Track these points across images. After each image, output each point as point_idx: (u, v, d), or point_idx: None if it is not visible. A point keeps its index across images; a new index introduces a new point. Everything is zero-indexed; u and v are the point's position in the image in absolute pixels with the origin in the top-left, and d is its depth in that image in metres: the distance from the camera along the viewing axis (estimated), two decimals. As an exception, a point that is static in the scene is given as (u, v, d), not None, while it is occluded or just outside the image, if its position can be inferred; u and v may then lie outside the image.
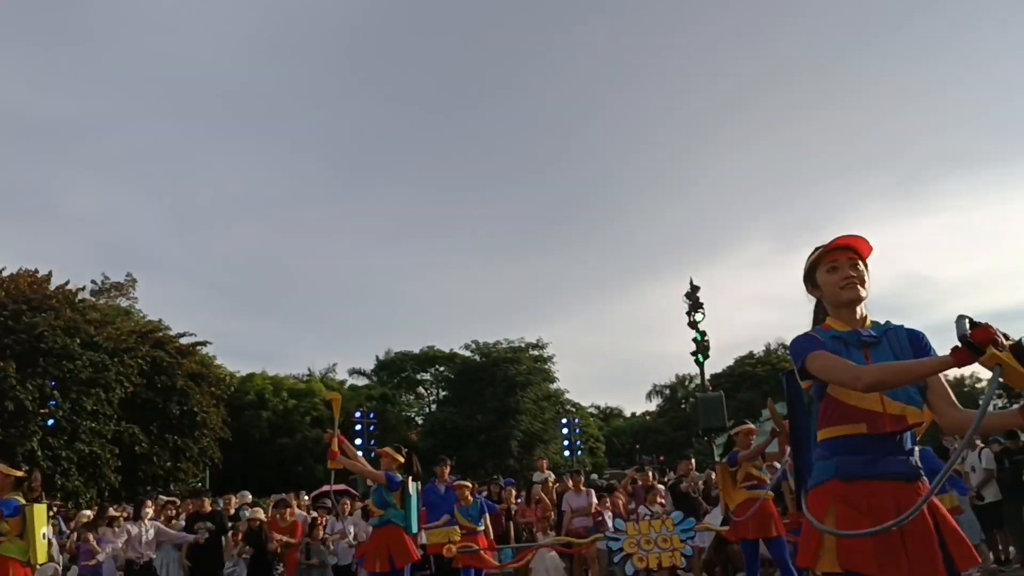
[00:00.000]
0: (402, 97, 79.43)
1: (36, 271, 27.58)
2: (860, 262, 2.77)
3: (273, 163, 76.45)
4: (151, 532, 11.00)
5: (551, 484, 13.21)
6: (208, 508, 11.67)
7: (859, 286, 2.74)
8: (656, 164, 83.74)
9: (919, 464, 2.64)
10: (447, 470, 10.23)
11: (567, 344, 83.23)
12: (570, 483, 11.79)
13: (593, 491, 11.82)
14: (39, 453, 24.35)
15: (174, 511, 12.51)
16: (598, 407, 61.40)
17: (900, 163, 78.93)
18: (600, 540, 9.83)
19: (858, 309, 2.78)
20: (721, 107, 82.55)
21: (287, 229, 76.40)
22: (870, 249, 2.78)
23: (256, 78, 75.81)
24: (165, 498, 14.99)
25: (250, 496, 15.48)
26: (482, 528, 9.28)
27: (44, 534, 6.61)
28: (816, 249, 2.82)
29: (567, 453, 31.80)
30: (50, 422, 25.04)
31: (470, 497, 9.38)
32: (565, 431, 31.25)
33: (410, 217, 77.72)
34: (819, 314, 2.93)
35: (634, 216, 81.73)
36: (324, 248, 76.07)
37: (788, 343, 2.97)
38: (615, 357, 79.38)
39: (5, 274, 26.71)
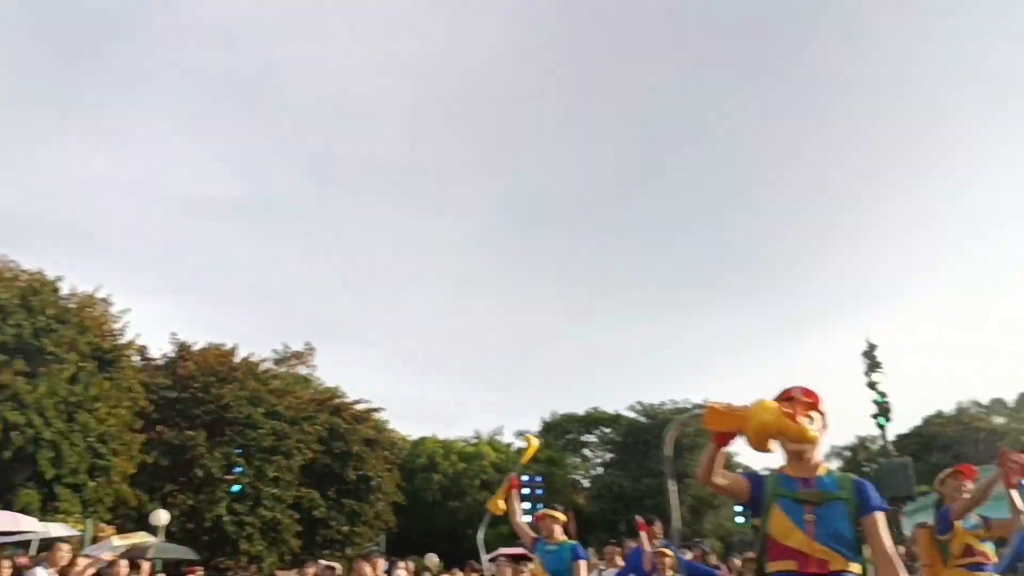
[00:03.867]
0: (578, 161, 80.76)
1: (223, 344, 29.51)
2: None
3: (447, 227, 79.31)
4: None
5: None
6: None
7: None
8: (825, 214, 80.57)
9: None
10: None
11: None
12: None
13: None
14: (225, 519, 25.74)
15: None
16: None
17: None
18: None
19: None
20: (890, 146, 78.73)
21: (459, 290, 78.71)
22: None
23: (422, 147, 79.32)
24: (325, 563, 15.23)
25: (436, 559, 15.41)
26: None
27: None
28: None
29: (739, 520, 30.42)
30: (235, 488, 26.47)
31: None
32: (738, 496, 29.97)
33: (576, 278, 78.18)
34: None
35: (803, 267, 78.64)
36: (492, 309, 77.61)
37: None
38: (790, 416, 75.44)
39: (196, 348, 28.76)
